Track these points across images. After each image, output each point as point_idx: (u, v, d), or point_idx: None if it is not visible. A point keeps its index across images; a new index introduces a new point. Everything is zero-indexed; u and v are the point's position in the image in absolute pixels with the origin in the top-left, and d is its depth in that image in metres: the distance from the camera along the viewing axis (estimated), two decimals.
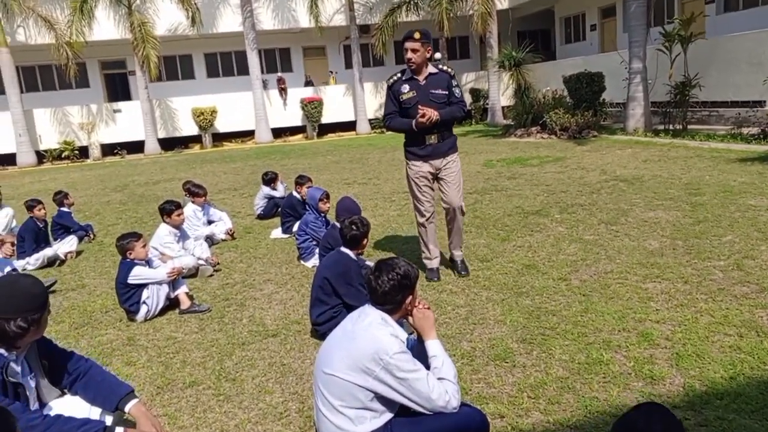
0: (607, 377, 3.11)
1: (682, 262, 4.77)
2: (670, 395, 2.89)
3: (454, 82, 4.70)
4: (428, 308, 2.66)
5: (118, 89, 25.09)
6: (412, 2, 22.94)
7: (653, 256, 5.01)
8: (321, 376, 2.49)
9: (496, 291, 4.53)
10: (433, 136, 4.66)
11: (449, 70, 4.77)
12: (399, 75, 4.72)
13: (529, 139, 15.13)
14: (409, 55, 4.53)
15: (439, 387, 2.39)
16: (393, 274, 2.48)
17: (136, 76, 21.84)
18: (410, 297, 2.53)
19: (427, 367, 2.56)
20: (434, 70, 4.68)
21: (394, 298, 2.49)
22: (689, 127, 13.89)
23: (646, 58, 14.03)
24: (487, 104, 22.80)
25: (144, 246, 4.62)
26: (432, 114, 4.45)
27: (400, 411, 2.47)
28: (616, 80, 15.49)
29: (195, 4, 21.13)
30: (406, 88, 4.64)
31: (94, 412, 2.48)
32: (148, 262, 4.71)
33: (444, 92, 4.63)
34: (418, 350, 2.71)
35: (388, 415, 2.45)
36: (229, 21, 22.94)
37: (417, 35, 4.50)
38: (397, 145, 17.61)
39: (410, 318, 2.63)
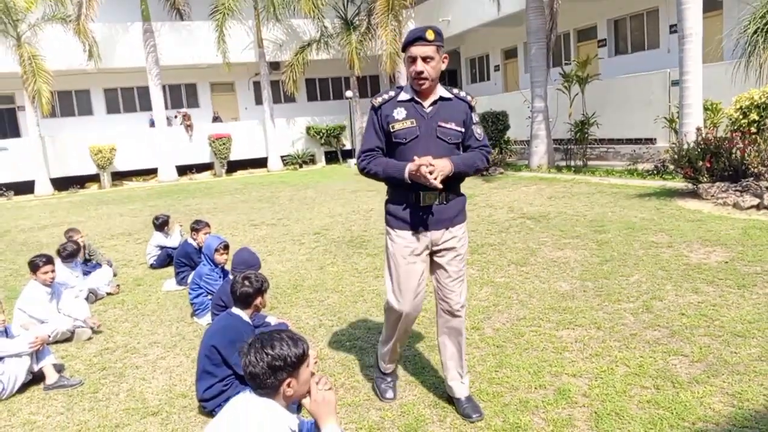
0: None
1: (593, 306, 4.68)
2: None
3: (475, 117, 3.13)
4: (330, 388, 2.28)
5: (6, 125, 23.23)
6: (322, 41, 22.95)
7: (564, 299, 4.90)
8: None
9: (408, 345, 4.22)
10: (433, 195, 3.02)
11: (468, 97, 3.14)
12: (392, 94, 3.08)
13: None
14: (419, 66, 2.90)
15: None
16: (262, 354, 2.08)
17: (25, 112, 20.28)
18: (290, 380, 2.12)
19: None
20: (447, 95, 3.07)
21: (265, 381, 2.10)
22: (589, 163, 14.49)
23: (547, 98, 14.58)
24: None
25: None
26: (439, 168, 2.84)
27: None
28: (520, 119, 16.01)
29: (93, 37, 20.04)
30: (401, 113, 3.01)
31: None
32: (6, 331, 4.04)
33: (458, 129, 3.05)
34: None
35: None
36: (130, 55, 21.88)
37: (430, 35, 2.90)
38: (311, 183, 17.33)
39: (306, 401, 2.25)
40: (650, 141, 14.20)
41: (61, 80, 21.22)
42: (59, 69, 20.64)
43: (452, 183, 3.03)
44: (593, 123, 14.16)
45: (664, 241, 6.47)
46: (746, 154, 8.43)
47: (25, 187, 20.27)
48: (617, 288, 5.06)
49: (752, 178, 8.37)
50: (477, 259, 6.48)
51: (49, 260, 4.88)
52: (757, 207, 7.65)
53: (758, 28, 7.27)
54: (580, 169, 13.76)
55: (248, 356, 2.09)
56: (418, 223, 3.05)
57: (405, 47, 2.97)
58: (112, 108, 24.35)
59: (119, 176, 21.96)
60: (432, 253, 3.14)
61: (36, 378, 4.04)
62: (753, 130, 9.51)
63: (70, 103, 23.84)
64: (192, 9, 23.64)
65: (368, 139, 3.10)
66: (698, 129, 9.50)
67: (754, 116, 9.48)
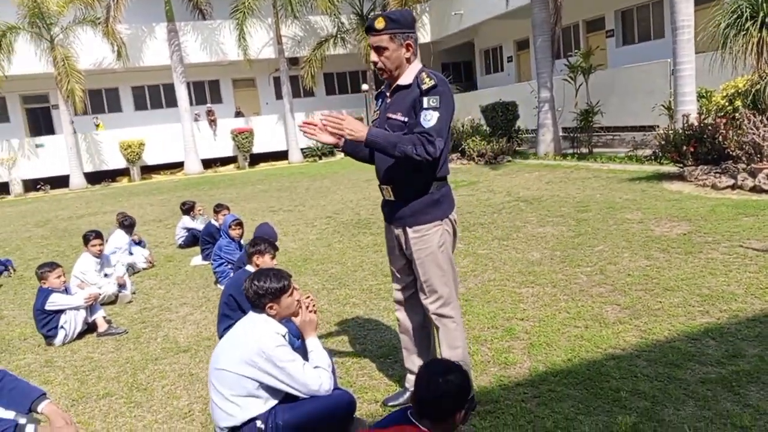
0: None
1: (555, 270, 5.44)
2: (517, 376, 3.45)
3: (429, 102, 2.80)
4: (313, 311, 3.10)
5: (41, 123, 24.61)
6: (338, 36, 23.77)
7: (533, 265, 5.67)
8: (214, 372, 2.90)
9: (392, 301, 5.03)
10: (385, 189, 3.05)
11: (427, 80, 2.83)
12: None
13: (449, 165, 15.95)
14: (373, 57, 2.91)
15: (313, 373, 2.85)
16: (251, 284, 2.87)
17: (59, 110, 21.54)
18: (272, 304, 2.90)
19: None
20: (407, 81, 2.91)
21: (254, 302, 2.90)
22: (595, 150, 15.06)
23: (553, 88, 15.16)
24: None
25: (59, 277, 4.86)
26: (347, 124, 2.78)
27: (284, 398, 2.91)
28: (529, 108, 16.63)
29: (120, 38, 21.16)
30: (379, 104, 3.14)
31: (7, 415, 2.79)
32: (67, 290, 4.97)
33: (402, 119, 2.89)
34: (303, 348, 3.17)
35: (273, 402, 2.87)
36: (156, 54, 23.00)
37: (379, 23, 2.81)
38: (328, 173, 18.24)
39: (296, 320, 3.08)
40: (652, 128, 14.69)
41: (92, 79, 22.40)
42: (89, 69, 21.82)
43: (405, 179, 2.94)
44: (597, 112, 14.73)
45: (636, 218, 7.17)
46: (727, 139, 9.03)
47: (60, 182, 21.57)
48: (581, 256, 5.80)
49: (731, 161, 8.98)
50: (466, 236, 7.26)
51: (99, 235, 5.85)
52: (732, 187, 8.27)
53: (728, 23, 7.85)
54: (584, 156, 14.35)
55: (245, 283, 2.92)
56: (385, 216, 3.19)
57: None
58: (139, 105, 25.56)
59: (148, 170, 23.12)
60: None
61: (89, 328, 4.98)
62: (738, 116, 10.06)
63: (100, 100, 25.09)
64: (213, 8, 24.66)
65: None
66: (684, 116, 10.10)
67: (738, 103, 10.02)
